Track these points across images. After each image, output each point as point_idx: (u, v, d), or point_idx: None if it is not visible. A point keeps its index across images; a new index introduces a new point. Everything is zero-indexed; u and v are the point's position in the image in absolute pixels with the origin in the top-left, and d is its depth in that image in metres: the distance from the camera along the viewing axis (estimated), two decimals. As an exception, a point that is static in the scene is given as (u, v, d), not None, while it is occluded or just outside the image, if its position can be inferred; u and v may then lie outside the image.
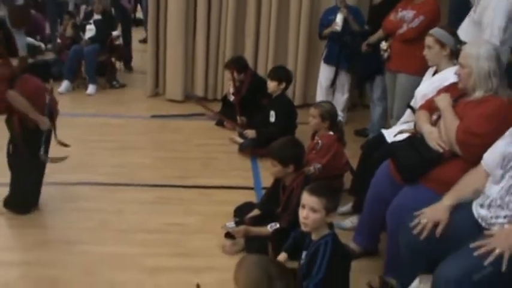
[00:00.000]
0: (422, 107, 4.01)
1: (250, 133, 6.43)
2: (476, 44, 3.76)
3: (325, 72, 7.28)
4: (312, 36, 7.64)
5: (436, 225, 3.18)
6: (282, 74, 6.30)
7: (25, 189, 4.77)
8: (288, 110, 6.25)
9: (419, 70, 4.97)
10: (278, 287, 2.36)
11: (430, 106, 3.86)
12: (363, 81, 7.05)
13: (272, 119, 6.21)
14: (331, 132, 5.19)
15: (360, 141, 5.81)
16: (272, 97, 6.32)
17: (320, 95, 7.30)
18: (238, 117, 6.87)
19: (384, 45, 6.04)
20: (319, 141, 5.12)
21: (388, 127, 5.21)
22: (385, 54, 6.03)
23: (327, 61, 7.24)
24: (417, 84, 4.73)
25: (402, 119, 4.80)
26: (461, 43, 4.39)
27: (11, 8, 9.38)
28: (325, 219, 3.29)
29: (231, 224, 4.45)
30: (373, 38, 6.50)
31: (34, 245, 4.37)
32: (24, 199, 4.79)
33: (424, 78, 4.68)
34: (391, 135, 4.57)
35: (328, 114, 5.20)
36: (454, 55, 4.39)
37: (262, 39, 7.87)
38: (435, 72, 4.51)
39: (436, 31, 4.49)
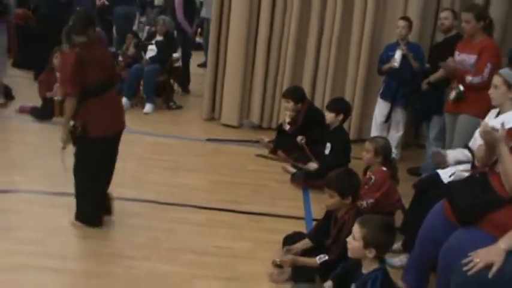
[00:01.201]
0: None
1: (312, 165, 6.40)
2: None
3: (380, 108, 7.26)
4: (371, 71, 7.63)
5: (488, 267, 3.15)
6: (340, 105, 6.28)
7: (82, 202, 4.85)
8: (344, 144, 6.23)
9: (481, 112, 4.92)
10: None
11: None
12: (421, 121, 7.01)
13: (327, 151, 6.19)
14: (385, 168, 5.15)
15: (412, 180, 5.74)
16: (329, 129, 6.29)
17: (374, 131, 7.27)
18: (298, 138, 6.74)
19: (462, 89, 5.85)
20: (372, 177, 5.08)
21: (443, 167, 5.15)
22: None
23: (383, 97, 7.22)
24: (478, 125, 4.68)
25: (458, 158, 4.74)
26: None
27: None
28: (364, 251, 3.29)
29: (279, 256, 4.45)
30: (433, 77, 6.47)
31: (84, 255, 4.48)
32: (84, 212, 4.86)
33: (486, 119, 4.60)
34: (446, 175, 4.53)
35: (382, 150, 5.16)
36: None
37: (321, 70, 7.90)
38: (498, 114, 4.45)
39: (505, 72, 4.42)
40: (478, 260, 3.18)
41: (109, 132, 4.78)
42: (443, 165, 4.73)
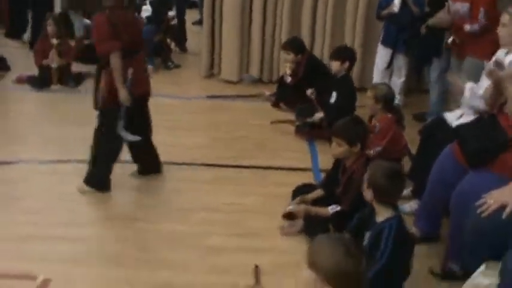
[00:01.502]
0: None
1: (317, 116, 6.23)
2: None
3: (381, 55, 7.17)
4: (370, 17, 7.52)
5: (502, 208, 3.11)
6: (345, 53, 6.17)
7: (98, 167, 4.83)
8: (350, 92, 6.12)
9: (486, 54, 4.86)
10: (362, 265, 2.28)
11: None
12: (422, 66, 6.94)
13: (332, 100, 6.09)
14: (389, 115, 5.09)
15: (417, 126, 5.70)
16: (335, 78, 6.15)
17: (376, 78, 7.19)
18: (308, 91, 6.44)
19: (450, 41, 5.98)
20: (377, 124, 5.04)
21: (448, 110, 5.09)
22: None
23: (384, 43, 7.12)
24: (483, 68, 4.61)
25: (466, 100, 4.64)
26: None
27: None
28: (367, 192, 3.32)
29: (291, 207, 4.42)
30: (432, 21, 6.37)
31: (97, 220, 4.48)
32: (97, 177, 4.85)
33: (493, 58, 4.51)
34: (454, 117, 4.48)
35: (382, 97, 5.08)
36: None
37: (319, 20, 7.78)
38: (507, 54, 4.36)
39: None
40: (491, 201, 3.15)
41: (136, 95, 4.73)
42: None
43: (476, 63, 5.39)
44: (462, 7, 5.74)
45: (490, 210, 3.13)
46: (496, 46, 4.48)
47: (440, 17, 6.13)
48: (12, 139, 5.93)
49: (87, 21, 10.47)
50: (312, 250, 2.31)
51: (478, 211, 3.15)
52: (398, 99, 6.66)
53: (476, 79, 4.59)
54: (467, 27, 5.67)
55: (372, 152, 4.79)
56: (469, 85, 4.30)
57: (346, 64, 6.05)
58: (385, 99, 5.09)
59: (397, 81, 7.11)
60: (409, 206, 4.58)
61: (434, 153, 4.10)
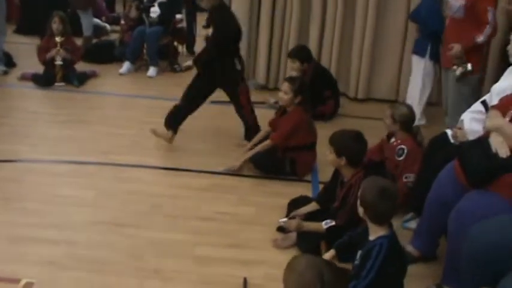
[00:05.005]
0: (495, 106, 3.77)
1: None
2: None
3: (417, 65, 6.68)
4: (378, 27, 7.42)
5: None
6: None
7: None
8: None
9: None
10: None
11: (504, 106, 3.63)
12: None
13: None
14: (410, 137, 4.93)
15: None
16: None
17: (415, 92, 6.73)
18: None
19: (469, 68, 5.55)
20: (404, 147, 4.85)
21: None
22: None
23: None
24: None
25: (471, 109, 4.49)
26: None
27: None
28: (360, 209, 3.23)
29: (284, 219, 4.33)
30: None
31: (83, 224, 4.35)
32: None
33: (504, 75, 4.37)
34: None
35: (401, 118, 4.92)
36: None
37: (328, 29, 7.68)
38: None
39: None
40: None
41: None
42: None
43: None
44: (456, 2, 5.49)
45: None
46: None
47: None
48: (11, 137, 5.88)
49: (96, 20, 10.45)
50: (286, 270, 2.25)
51: None
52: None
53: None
54: (479, 39, 5.39)
55: (408, 183, 4.69)
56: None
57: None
58: (403, 121, 4.93)
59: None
60: (415, 223, 4.43)
61: (436, 170, 3.97)
